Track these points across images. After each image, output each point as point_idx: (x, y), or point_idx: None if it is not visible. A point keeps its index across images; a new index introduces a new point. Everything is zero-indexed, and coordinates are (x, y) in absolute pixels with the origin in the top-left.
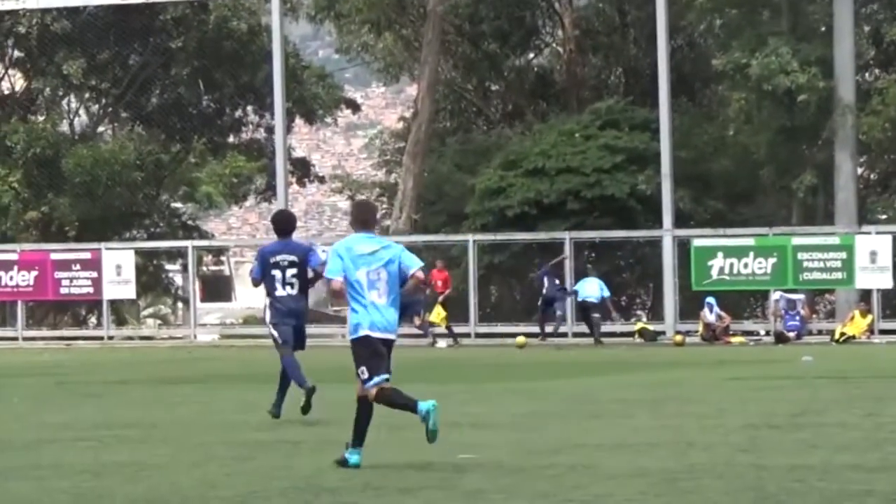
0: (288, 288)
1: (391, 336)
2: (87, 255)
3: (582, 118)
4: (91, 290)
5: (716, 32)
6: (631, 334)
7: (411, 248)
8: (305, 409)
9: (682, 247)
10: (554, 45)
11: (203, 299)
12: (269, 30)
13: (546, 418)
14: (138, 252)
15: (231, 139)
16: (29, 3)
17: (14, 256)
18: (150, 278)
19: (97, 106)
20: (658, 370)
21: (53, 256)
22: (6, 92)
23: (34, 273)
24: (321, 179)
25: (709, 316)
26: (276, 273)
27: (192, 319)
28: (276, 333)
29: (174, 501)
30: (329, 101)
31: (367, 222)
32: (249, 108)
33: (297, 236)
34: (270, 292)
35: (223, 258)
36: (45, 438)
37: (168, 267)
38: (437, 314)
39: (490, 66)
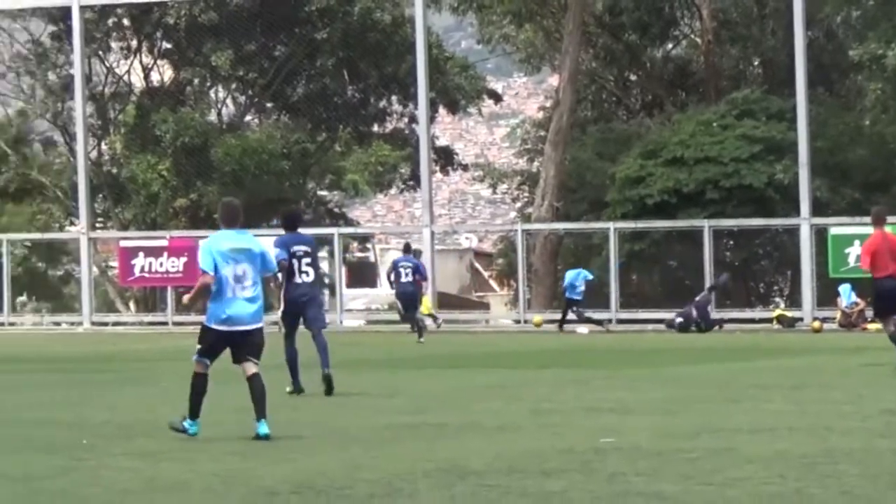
0: (304, 276)
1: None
2: None
3: (719, 108)
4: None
5: (852, 24)
6: (769, 321)
7: (553, 235)
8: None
9: (819, 235)
10: (692, 36)
11: (349, 285)
12: (413, 21)
13: (685, 403)
14: None
15: (376, 128)
16: None
17: (164, 243)
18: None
19: (244, 96)
20: (796, 356)
21: (202, 243)
22: (155, 82)
23: (183, 259)
24: (464, 168)
25: (844, 303)
26: (295, 262)
27: (338, 305)
28: (281, 323)
29: (320, 483)
30: (471, 91)
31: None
32: (394, 97)
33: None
34: (289, 278)
35: (368, 245)
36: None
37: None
38: (425, 306)
39: (630, 56)
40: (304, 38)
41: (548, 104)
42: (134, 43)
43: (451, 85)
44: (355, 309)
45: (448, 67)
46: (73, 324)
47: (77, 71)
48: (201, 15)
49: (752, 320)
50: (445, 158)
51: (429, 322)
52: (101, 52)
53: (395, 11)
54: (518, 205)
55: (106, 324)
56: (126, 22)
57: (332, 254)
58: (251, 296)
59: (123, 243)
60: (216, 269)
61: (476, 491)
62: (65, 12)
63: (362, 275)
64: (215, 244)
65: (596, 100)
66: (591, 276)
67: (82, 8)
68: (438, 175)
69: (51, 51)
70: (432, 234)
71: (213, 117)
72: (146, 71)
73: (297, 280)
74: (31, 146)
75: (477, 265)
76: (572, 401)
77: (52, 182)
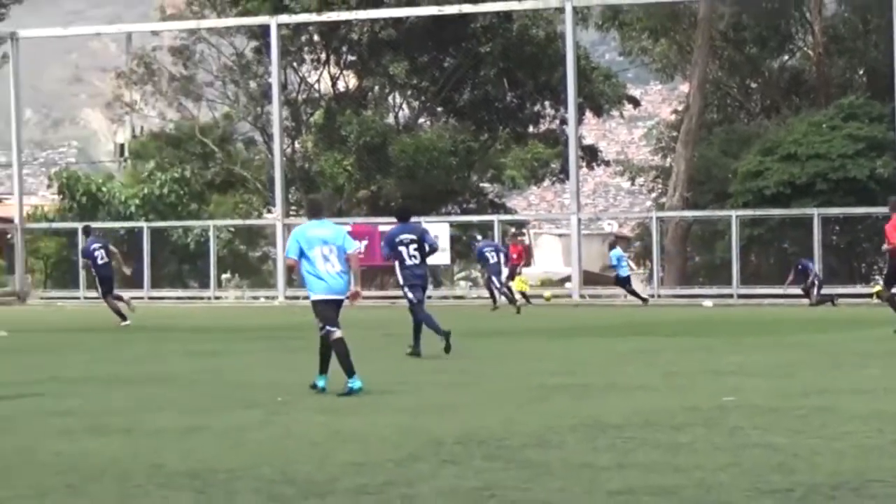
0: (413, 259)
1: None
2: None
3: (828, 111)
4: None
5: None
6: (870, 296)
7: (684, 221)
8: (447, 349)
9: None
10: (805, 48)
11: (506, 264)
12: (564, 36)
13: (795, 367)
14: (452, 225)
15: (531, 129)
16: (360, 14)
17: (348, 228)
18: (463, 247)
19: (417, 101)
20: (891, 327)
21: (381, 228)
22: (341, 90)
23: (364, 242)
24: (607, 163)
25: None
26: (403, 249)
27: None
28: (410, 295)
29: (481, 435)
30: (613, 96)
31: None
32: (546, 102)
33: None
34: (402, 263)
35: (524, 230)
36: (370, 382)
37: (477, 237)
38: (519, 282)
39: (751, 67)
40: (470, 52)
41: (679, 108)
42: (323, 56)
43: (597, 91)
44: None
45: (594, 76)
46: (269, 298)
47: (274, 80)
48: (381, 31)
49: (855, 295)
50: (591, 155)
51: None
52: (295, 64)
53: (548, 28)
54: (653, 195)
55: (297, 298)
56: (316, 38)
57: (491, 238)
58: (338, 271)
59: None
60: (302, 253)
61: (615, 443)
62: (264, 29)
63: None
64: (301, 233)
65: (721, 104)
66: (623, 254)
67: (279, 25)
68: (584, 169)
69: (252, 63)
70: (579, 220)
71: (390, 120)
72: (334, 80)
73: (408, 263)
74: (234, 145)
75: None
76: (698, 365)
77: (252, 176)
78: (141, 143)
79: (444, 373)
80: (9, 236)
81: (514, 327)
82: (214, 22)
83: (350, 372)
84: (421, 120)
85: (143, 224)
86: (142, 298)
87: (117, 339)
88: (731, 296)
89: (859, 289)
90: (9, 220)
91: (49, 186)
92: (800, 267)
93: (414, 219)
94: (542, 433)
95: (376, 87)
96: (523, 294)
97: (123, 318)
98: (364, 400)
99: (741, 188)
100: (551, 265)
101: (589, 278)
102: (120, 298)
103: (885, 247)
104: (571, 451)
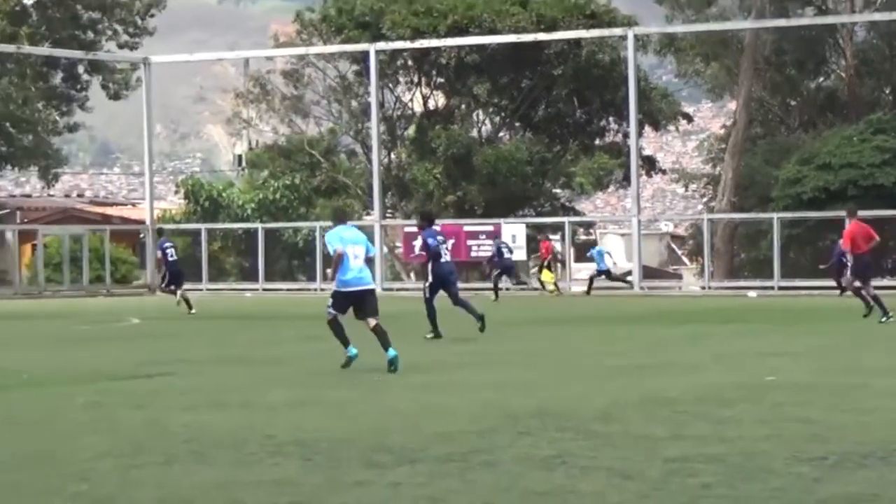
0: (446, 256)
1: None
2: (490, 228)
3: (858, 126)
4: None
5: None
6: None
7: (731, 222)
8: (482, 328)
9: None
10: (838, 70)
11: (576, 261)
12: (626, 60)
13: (830, 349)
14: (528, 226)
15: (597, 142)
16: (448, 41)
17: (437, 228)
18: (538, 245)
19: (498, 117)
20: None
21: (466, 229)
22: (432, 107)
23: (451, 241)
24: (663, 172)
25: None
26: (441, 248)
27: (568, 276)
28: (429, 293)
29: (554, 409)
30: (669, 113)
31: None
32: (611, 118)
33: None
34: (436, 259)
35: (591, 230)
36: (453, 362)
37: (550, 237)
38: (546, 275)
39: (790, 87)
40: (544, 74)
41: (727, 123)
42: (416, 78)
43: (655, 108)
44: (580, 278)
45: (652, 95)
46: None
47: (373, 99)
48: (467, 56)
49: (884, 287)
50: (649, 164)
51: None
52: (390, 85)
53: (612, 53)
54: (704, 199)
55: (392, 289)
56: (410, 62)
57: (563, 237)
58: (361, 266)
59: (407, 229)
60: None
61: (671, 416)
62: (364, 55)
63: (587, 252)
64: (336, 234)
65: (764, 120)
66: (604, 251)
67: (377, 52)
68: (644, 177)
69: (353, 84)
70: (639, 221)
71: (474, 133)
72: (425, 99)
73: (443, 259)
74: (338, 156)
75: (672, 245)
76: (744, 348)
77: (353, 183)
78: (256, 155)
79: (520, 354)
80: (141, 236)
81: (582, 316)
82: (321, 49)
83: (345, 343)
84: (501, 133)
85: (258, 225)
86: (257, 290)
87: (236, 325)
88: (772, 287)
89: (886, 281)
90: (141, 222)
91: (176, 192)
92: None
93: (495, 220)
94: (607, 408)
95: (462, 105)
96: (551, 284)
97: (190, 307)
98: (450, 378)
99: (782, 193)
100: (616, 260)
101: (648, 272)
102: (174, 293)
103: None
104: (632, 424)
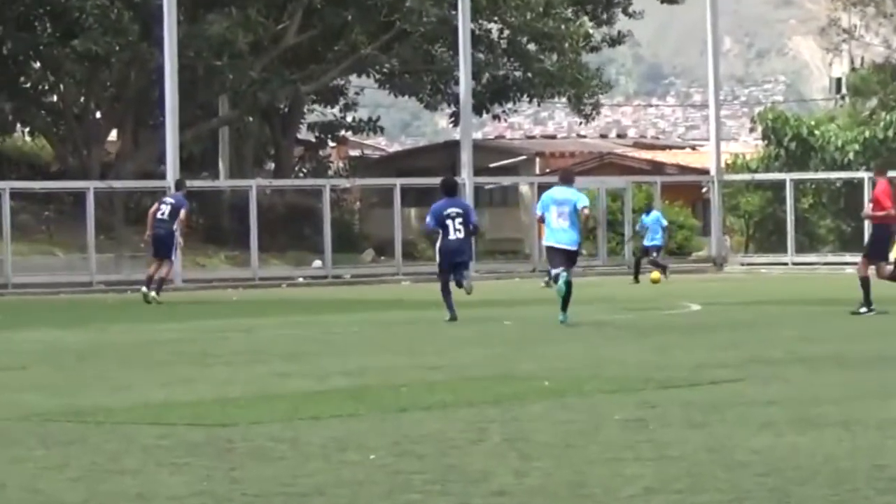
0: (458, 233)
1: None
2: None
3: None
4: None
5: None
6: None
7: None
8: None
9: None
10: None
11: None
12: None
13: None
14: None
15: None
16: None
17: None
18: None
19: None
20: None
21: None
22: None
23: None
24: None
25: None
26: (450, 223)
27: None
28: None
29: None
30: None
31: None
32: None
33: None
34: (445, 236)
35: None
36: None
37: None
38: None
39: None
40: None
41: None
42: None
43: None
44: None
45: None
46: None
47: None
48: None
49: None
50: None
51: None
52: None
53: None
54: None
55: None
56: None
57: None
58: (567, 226)
59: None
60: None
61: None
62: None
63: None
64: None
65: None
66: (664, 222)
67: None
68: None
69: None
70: None
71: None
72: None
73: (451, 236)
74: None
75: None
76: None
77: None
78: (861, 77)
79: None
80: (703, 190)
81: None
82: None
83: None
84: None
85: (863, 174)
86: (786, 265)
87: (823, 313)
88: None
89: None
90: (704, 172)
91: (752, 130)
92: None
93: None
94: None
95: None
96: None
97: (149, 287)
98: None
99: None
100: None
101: None
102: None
103: (867, 213)
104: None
